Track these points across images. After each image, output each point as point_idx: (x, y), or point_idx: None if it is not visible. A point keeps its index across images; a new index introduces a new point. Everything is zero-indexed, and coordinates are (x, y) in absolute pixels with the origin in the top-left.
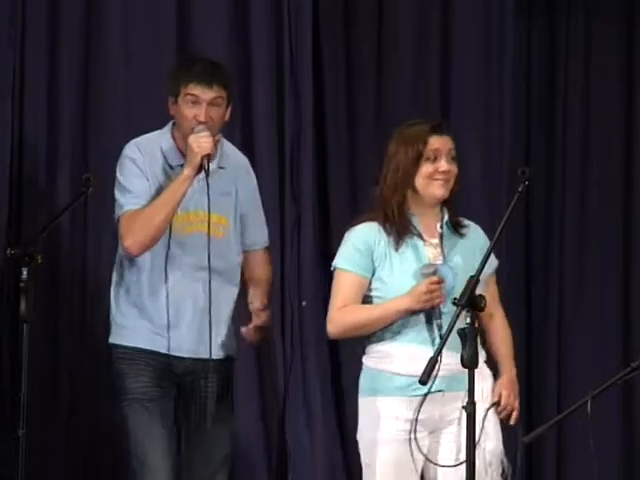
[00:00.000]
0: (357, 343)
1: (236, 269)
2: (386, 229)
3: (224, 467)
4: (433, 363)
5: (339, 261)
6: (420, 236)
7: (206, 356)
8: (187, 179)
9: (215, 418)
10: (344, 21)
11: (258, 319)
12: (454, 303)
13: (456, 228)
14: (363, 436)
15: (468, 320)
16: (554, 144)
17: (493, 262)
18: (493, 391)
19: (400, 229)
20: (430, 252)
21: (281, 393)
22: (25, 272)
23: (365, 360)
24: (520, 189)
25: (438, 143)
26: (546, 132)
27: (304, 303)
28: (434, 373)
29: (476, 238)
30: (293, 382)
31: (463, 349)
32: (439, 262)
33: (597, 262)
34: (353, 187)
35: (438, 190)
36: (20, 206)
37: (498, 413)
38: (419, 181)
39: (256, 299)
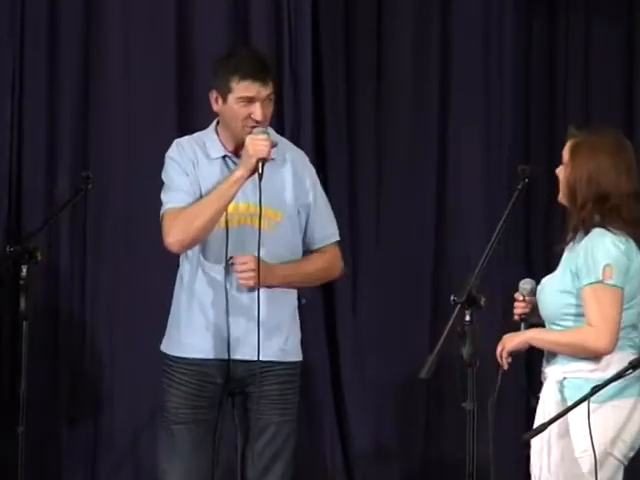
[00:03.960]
0: None
1: None
2: None
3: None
4: (434, 360)
5: None
6: None
7: (248, 357)
8: (239, 180)
9: (270, 427)
10: (344, 21)
11: (243, 264)
12: (453, 301)
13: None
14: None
15: (468, 318)
16: (554, 142)
17: (582, 275)
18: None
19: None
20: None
21: None
22: (24, 269)
23: None
24: (520, 186)
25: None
26: (546, 130)
27: (304, 301)
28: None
29: (576, 252)
30: None
31: (463, 347)
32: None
33: None
34: (353, 186)
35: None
36: (19, 204)
37: None
38: None
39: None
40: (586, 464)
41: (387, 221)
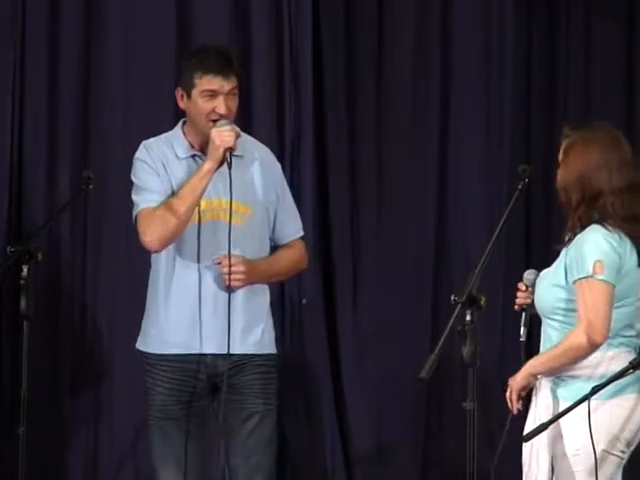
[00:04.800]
0: None
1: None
2: None
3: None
4: (434, 360)
5: None
6: None
7: (234, 351)
8: (208, 173)
9: (253, 418)
10: (344, 21)
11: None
12: (454, 301)
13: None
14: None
15: (468, 318)
16: (555, 142)
17: (573, 270)
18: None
19: None
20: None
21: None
22: (25, 269)
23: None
24: (520, 187)
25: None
26: (547, 130)
27: (304, 301)
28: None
29: (570, 249)
30: (293, 381)
31: (463, 347)
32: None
33: None
34: (353, 186)
35: None
36: (20, 204)
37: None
38: None
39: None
40: (581, 462)
41: (388, 221)
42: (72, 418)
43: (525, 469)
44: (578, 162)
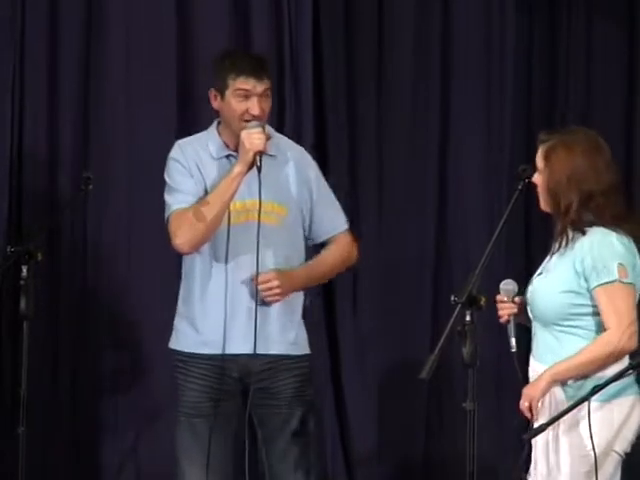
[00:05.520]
0: None
1: (293, 259)
2: None
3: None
4: (434, 360)
5: None
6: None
7: (263, 352)
8: (238, 176)
9: (292, 421)
10: (344, 22)
11: (264, 282)
12: (454, 301)
13: (565, 243)
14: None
15: (468, 318)
16: None
17: (594, 275)
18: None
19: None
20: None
21: None
22: (25, 270)
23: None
24: (520, 187)
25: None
26: (548, 130)
27: (308, 301)
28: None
29: (575, 250)
30: None
31: (463, 347)
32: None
33: None
34: (354, 187)
35: None
36: (20, 204)
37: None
38: None
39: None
40: (590, 462)
41: (388, 221)
42: (72, 418)
43: (542, 463)
44: (563, 165)
